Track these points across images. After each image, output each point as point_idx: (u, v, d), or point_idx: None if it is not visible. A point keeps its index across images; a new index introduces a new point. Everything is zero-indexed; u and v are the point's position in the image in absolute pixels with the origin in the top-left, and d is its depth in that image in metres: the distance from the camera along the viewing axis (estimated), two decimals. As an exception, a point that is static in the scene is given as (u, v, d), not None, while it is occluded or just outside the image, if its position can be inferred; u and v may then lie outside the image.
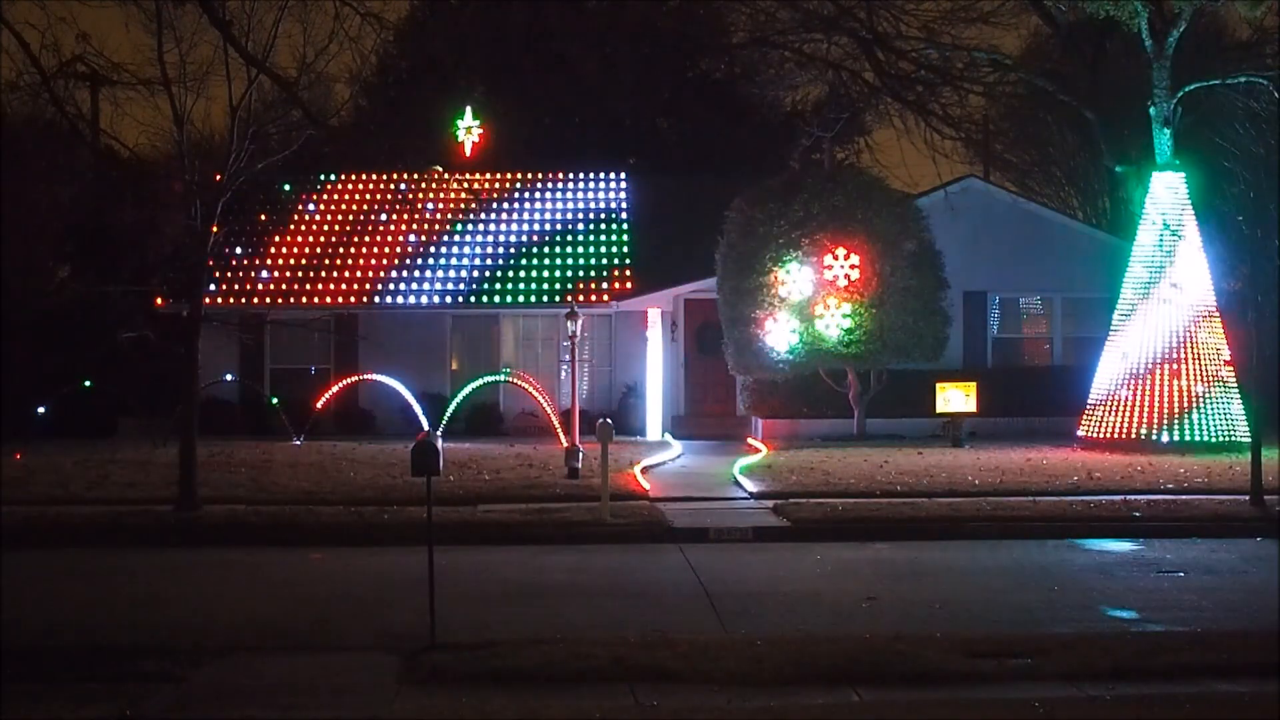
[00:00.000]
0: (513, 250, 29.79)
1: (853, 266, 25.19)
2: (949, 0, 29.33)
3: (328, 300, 28.50)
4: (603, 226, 30.49)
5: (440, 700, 8.74)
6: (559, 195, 31.67)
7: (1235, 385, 23.22)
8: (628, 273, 28.94)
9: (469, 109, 33.32)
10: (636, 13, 38.00)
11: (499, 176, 31.97)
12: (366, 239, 29.99)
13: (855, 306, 25.05)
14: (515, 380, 26.74)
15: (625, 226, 30.43)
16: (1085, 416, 24.29)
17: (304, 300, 28.44)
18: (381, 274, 29.06)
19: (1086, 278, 27.70)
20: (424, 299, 28.66)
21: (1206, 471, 19.80)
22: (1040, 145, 39.89)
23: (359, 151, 29.13)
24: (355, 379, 27.00)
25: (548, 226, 30.56)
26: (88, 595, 12.49)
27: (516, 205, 31.24)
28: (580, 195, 31.68)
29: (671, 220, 29.79)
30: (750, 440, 25.96)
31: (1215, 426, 22.95)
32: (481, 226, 30.44)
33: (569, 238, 30.11)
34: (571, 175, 32.23)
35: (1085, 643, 9.88)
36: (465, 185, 29.75)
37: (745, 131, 38.73)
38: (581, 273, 29.07)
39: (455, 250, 29.77)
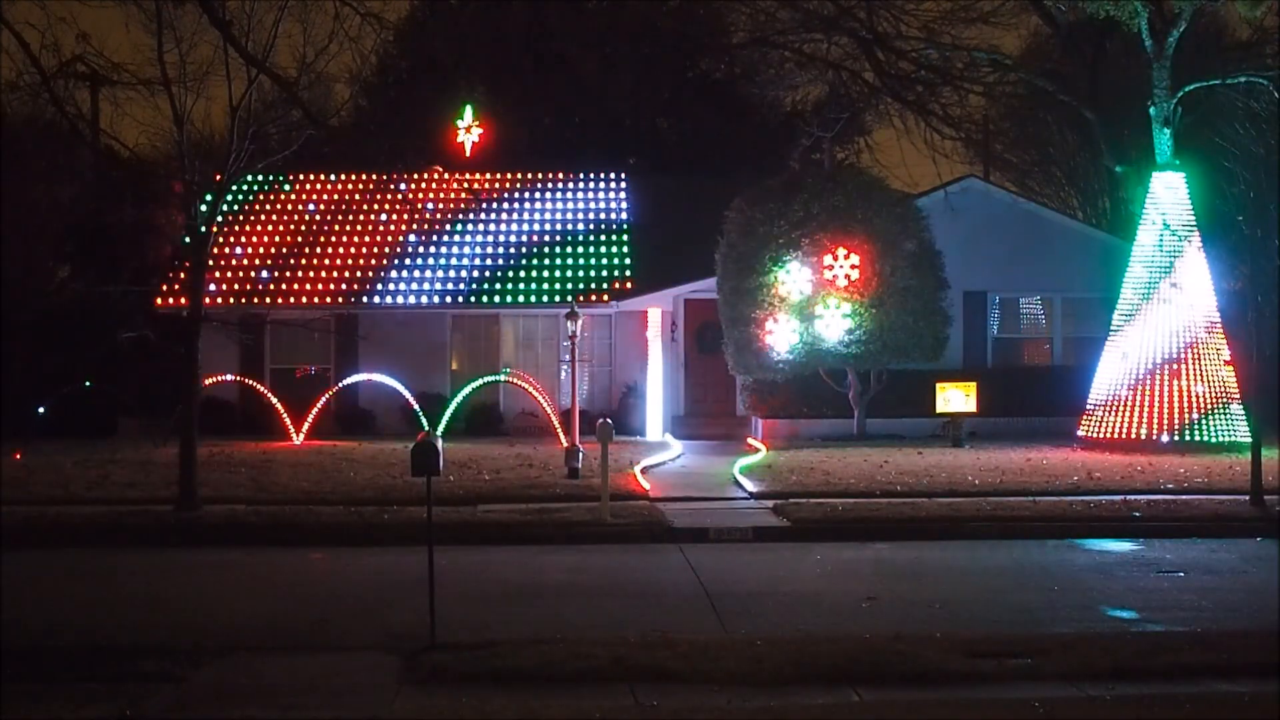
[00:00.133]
0: (513, 250, 29.79)
1: (853, 266, 25.20)
2: (949, 0, 29.35)
3: (328, 300, 28.50)
4: (603, 227, 30.48)
5: (440, 700, 8.74)
6: (559, 195, 31.67)
7: (1235, 385, 23.22)
8: (628, 273, 28.94)
9: (469, 109, 33.32)
10: (636, 13, 38.02)
11: (499, 176, 31.97)
12: (367, 239, 29.99)
13: (855, 306, 25.06)
14: (515, 380, 26.74)
15: (625, 226, 30.42)
16: (1085, 416, 24.29)
17: (304, 300, 28.45)
18: (382, 274, 29.06)
19: (1086, 278, 27.71)
20: (424, 299, 28.65)
21: (1206, 471, 19.81)
22: (1040, 145, 39.88)
23: (359, 151, 29.11)
24: (355, 379, 26.99)
25: (548, 227, 30.56)
26: (88, 595, 12.49)
27: (517, 205, 31.24)
28: (580, 195, 31.69)
29: (671, 220, 29.78)
30: (750, 440, 25.96)
31: (1215, 426, 22.95)
32: (481, 226, 30.44)
33: (569, 238, 30.10)
34: (571, 175, 32.23)
35: (1085, 643, 9.88)
36: (465, 185, 29.75)
37: (745, 131, 38.75)
38: (581, 272, 29.07)
39: (455, 250, 29.76)
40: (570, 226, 30.52)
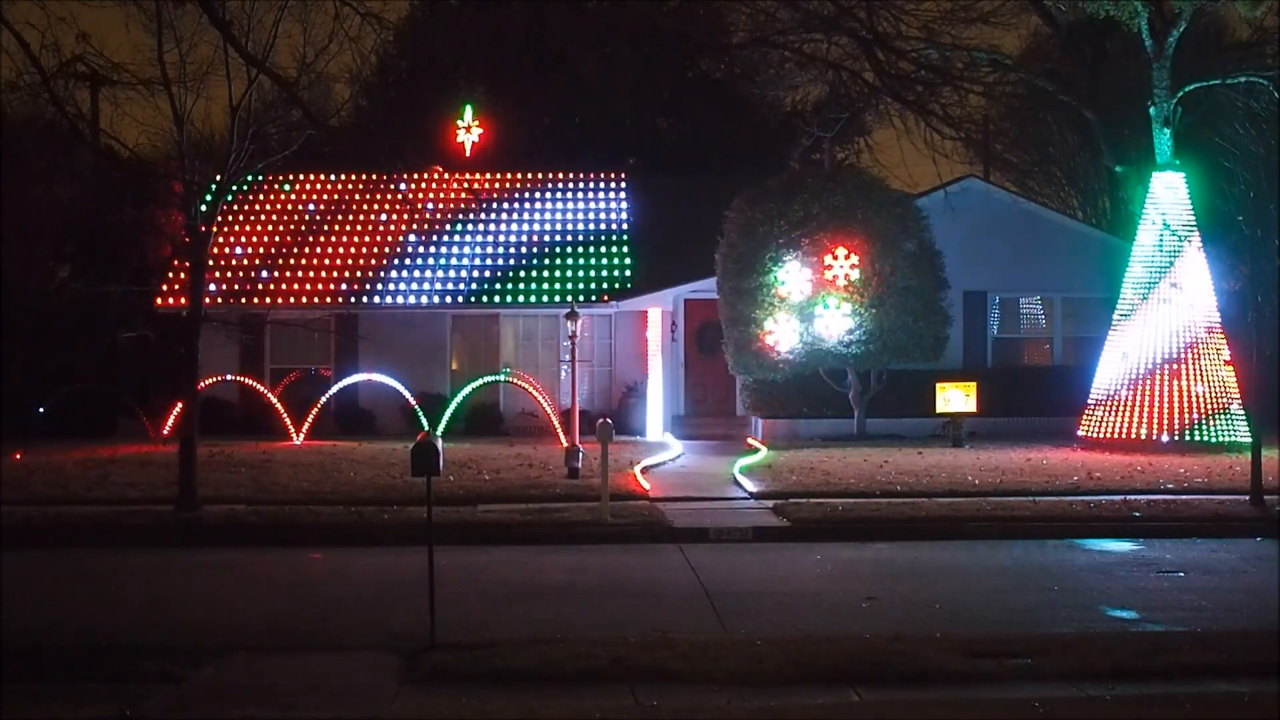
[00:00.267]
0: (513, 250, 29.79)
1: (853, 266, 25.20)
2: (949, 0, 29.35)
3: (328, 300, 28.51)
4: (602, 227, 30.48)
5: (440, 700, 8.74)
6: (559, 195, 31.67)
7: (1235, 385, 23.22)
8: (628, 272, 28.94)
9: (469, 109, 33.33)
10: (636, 13, 38.03)
11: (499, 177, 31.97)
12: (367, 239, 29.99)
13: (855, 306, 25.06)
14: (515, 380, 26.74)
15: (625, 227, 30.42)
16: (1085, 416, 24.29)
17: (304, 300, 28.45)
18: (382, 274, 29.06)
19: (1086, 278, 27.71)
20: (424, 299, 28.66)
21: (1206, 471, 19.81)
22: (1040, 145, 39.89)
23: (359, 151, 29.13)
24: (355, 379, 26.98)
25: (548, 227, 30.56)
26: (88, 595, 12.49)
27: (517, 205, 31.24)
28: (580, 195, 31.69)
29: (672, 220, 29.79)
30: (750, 440, 25.95)
31: (1215, 426, 22.95)
32: (482, 227, 30.44)
33: (569, 238, 30.11)
34: (571, 175, 32.24)
35: (1085, 643, 9.88)
36: (465, 185, 29.74)
37: (745, 131, 38.75)
38: (581, 272, 29.07)
39: (455, 250, 29.76)
40: (570, 226, 30.52)
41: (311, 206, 31.02)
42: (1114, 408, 23.60)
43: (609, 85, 38.14)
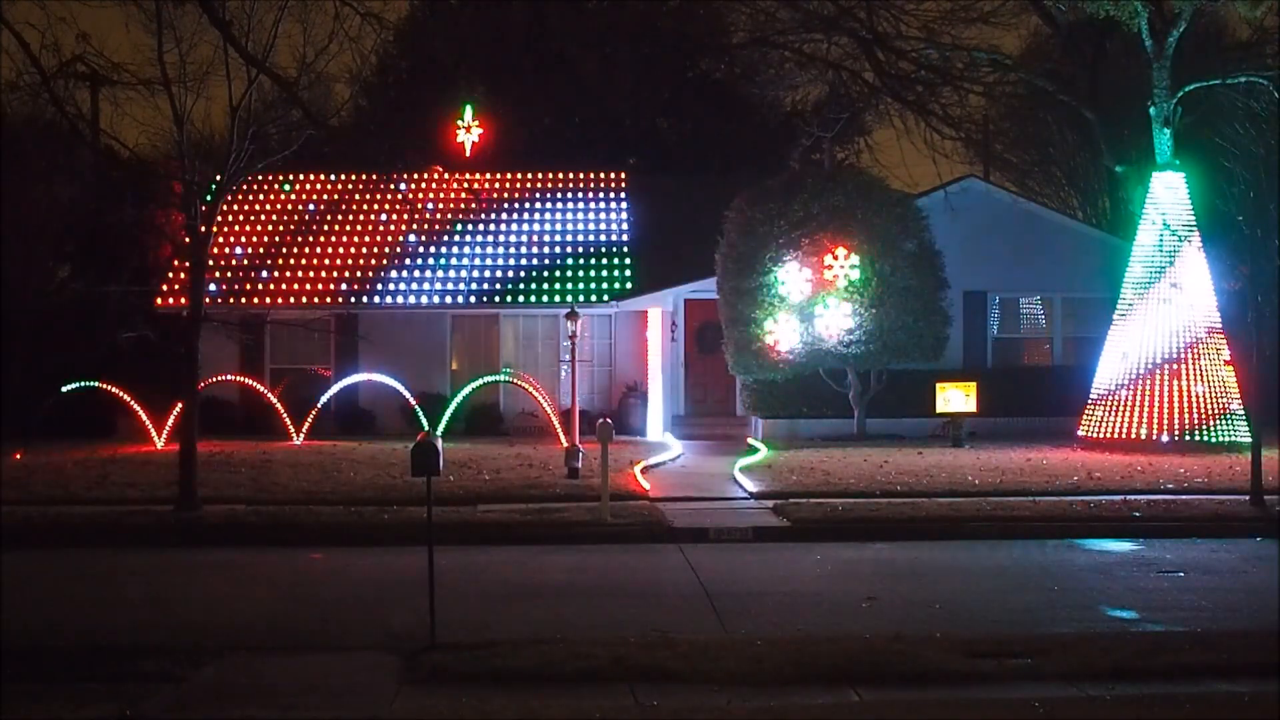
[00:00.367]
0: (513, 250, 29.79)
1: (853, 266, 25.20)
2: (949, 0, 29.35)
3: (328, 300, 28.51)
4: (602, 226, 30.48)
5: (440, 700, 8.74)
6: (559, 195, 31.66)
7: (1235, 385, 23.22)
8: (628, 272, 28.94)
9: (469, 109, 33.33)
10: (636, 13, 38.03)
11: (499, 177, 31.97)
12: (367, 239, 29.99)
13: (855, 306, 25.06)
14: (516, 380, 26.74)
15: (625, 226, 30.42)
16: (1085, 416, 24.29)
17: (304, 300, 28.45)
18: (382, 274, 29.06)
19: (1086, 278, 27.70)
20: (424, 299, 28.65)
21: (1206, 471, 19.81)
22: (1040, 145, 39.88)
23: (359, 151, 29.11)
24: (355, 379, 26.98)
25: (548, 227, 30.55)
26: (88, 595, 12.50)
27: (517, 205, 31.24)
28: (580, 195, 31.68)
29: (672, 220, 29.78)
30: (750, 440, 25.94)
31: (1215, 426, 22.95)
32: (482, 227, 30.43)
33: (569, 238, 30.10)
34: (571, 175, 32.23)
35: (1085, 643, 9.88)
36: (465, 185, 29.74)
37: (745, 131, 38.74)
38: (581, 272, 29.07)
39: (455, 250, 29.76)
40: (570, 226, 30.51)
41: (311, 206, 31.02)
42: (1114, 408, 23.60)
43: (609, 85, 38.13)
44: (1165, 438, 22.87)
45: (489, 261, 29.46)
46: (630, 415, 27.73)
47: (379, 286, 28.78)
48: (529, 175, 32.10)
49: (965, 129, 32.15)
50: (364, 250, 29.68)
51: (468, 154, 32.92)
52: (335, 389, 26.83)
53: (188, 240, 17.95)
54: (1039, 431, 26.03)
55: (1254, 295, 18.47)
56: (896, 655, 9.39)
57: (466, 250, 29.74)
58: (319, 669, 9.50)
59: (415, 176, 30.07)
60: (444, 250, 29.74)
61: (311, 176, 31.51)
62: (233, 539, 15.34)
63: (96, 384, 25.19)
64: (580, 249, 29.73)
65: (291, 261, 29.36)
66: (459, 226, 30.31)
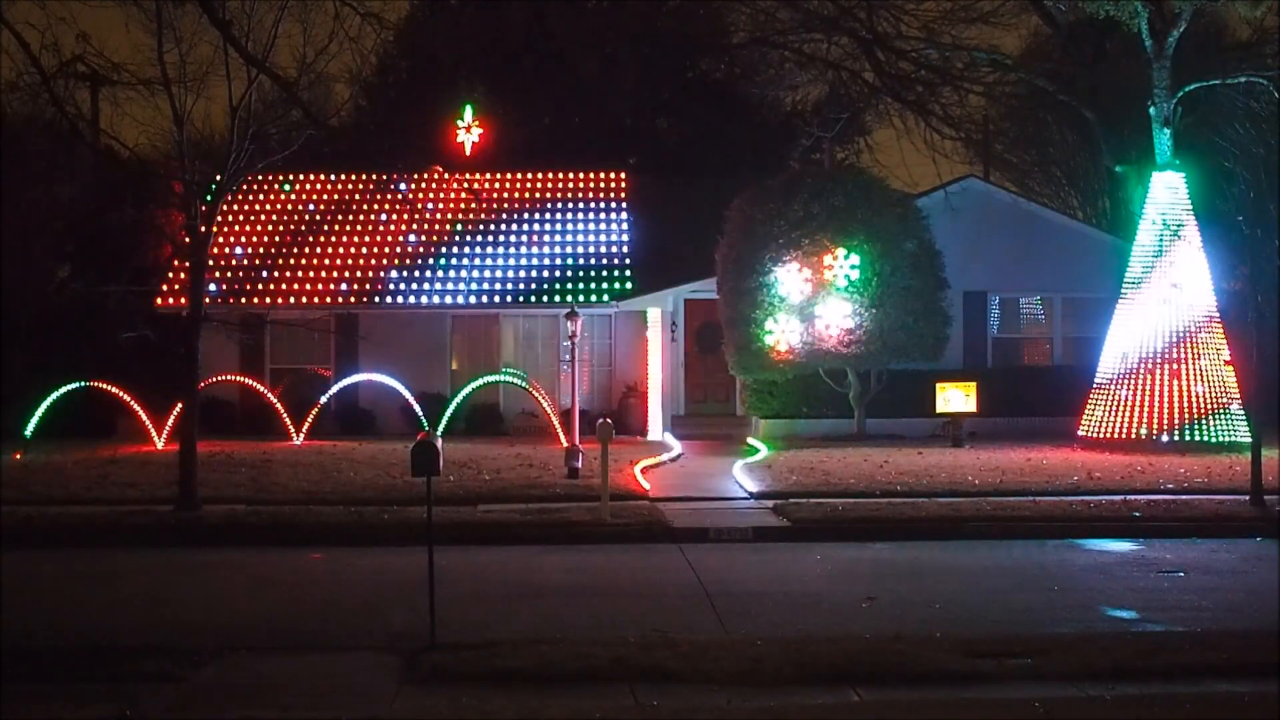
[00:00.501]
0: (513, 250, 29.78)
1: (853, 266, 25.19)
2: (949, 0, 29.37)
3: (328, 300, 28.50)
4: (603, 226, 30.47)
5: (440, 700, 8.74)
6: (559, 196, 31.65)
7: (1235, 385, 23.22)
8: (628, 272, 28.93)
9: (469, 109, 33.32)
10: (636, 13, 38.02)
11: (499, 177, 31.95)
12: (367, 239, 29.98)
13: (855, 306, 25.05)
14: (516, 381, 26.74)
15: (625, 226, 30.41)
16: (1085, 416, 24.29)
17: (304, 300, 28.44)
18: (382, 274, 29.06)
19: (1086, 278, 27.70)
20: (424, 299, 28.65)
21: (1206, 471, 19.81)
22: (1040, 145, 39.89)
23: (359, 151, 29.12)
24: (355, 379, 26.97)
25: (548, 226, 30.55)
26: (88, 595, 12.50)
27: (517, 205, 31.23)
28: (580, 195, 31.67)
29: (671, 220, 29.77)
30: (750, 440, 25.94)
31: (1215, 426, 22.95)
32: (482, 226, 30.43)
33: (569, 238, 30.10)
34: (572, 175, 32.22)
35: (1085, 643, 9.88)
36: (465, 185, 29.74)
37: (745, 132, 38.73)
38: (582, 272, 29.06)
39: (456, 250, 29.75)
40: (570, 226, 30.50)
41: (311, 206, 31.00)
42: (1114, 407, 23.61)
43: (609, 85, 38.13)
44: (1165, 437, 22.87)
45: (489, 261, 29.45)
46: (630, 415, 27.73)
47: (379, 287, 28.77)
48: (529, 175, 32.09)
49: (965, 129, 32.19)
50: (364, 250, 29.67)
51: (468, 154, 32.90)
52: (335, 389, 26.83)
53: (188, 240, 17.95)
54: (1039, 431, 26.03)
55: (1254, 295, 18.48)
56: (896, 655, 9.39)
57: (466, 250, 29.73)
58: (319, 669, 9.51)
59: (415, 177, 30.06)
60: (444, 250, 29.73)
61: (311, 177, 31.50)
62: (233, 539, 15.34)
63: (96, 384, 25.17)
64: (580, 249, 29.71)
65: (291, 262, 29.35)
66: (459, 226, 30.30)
